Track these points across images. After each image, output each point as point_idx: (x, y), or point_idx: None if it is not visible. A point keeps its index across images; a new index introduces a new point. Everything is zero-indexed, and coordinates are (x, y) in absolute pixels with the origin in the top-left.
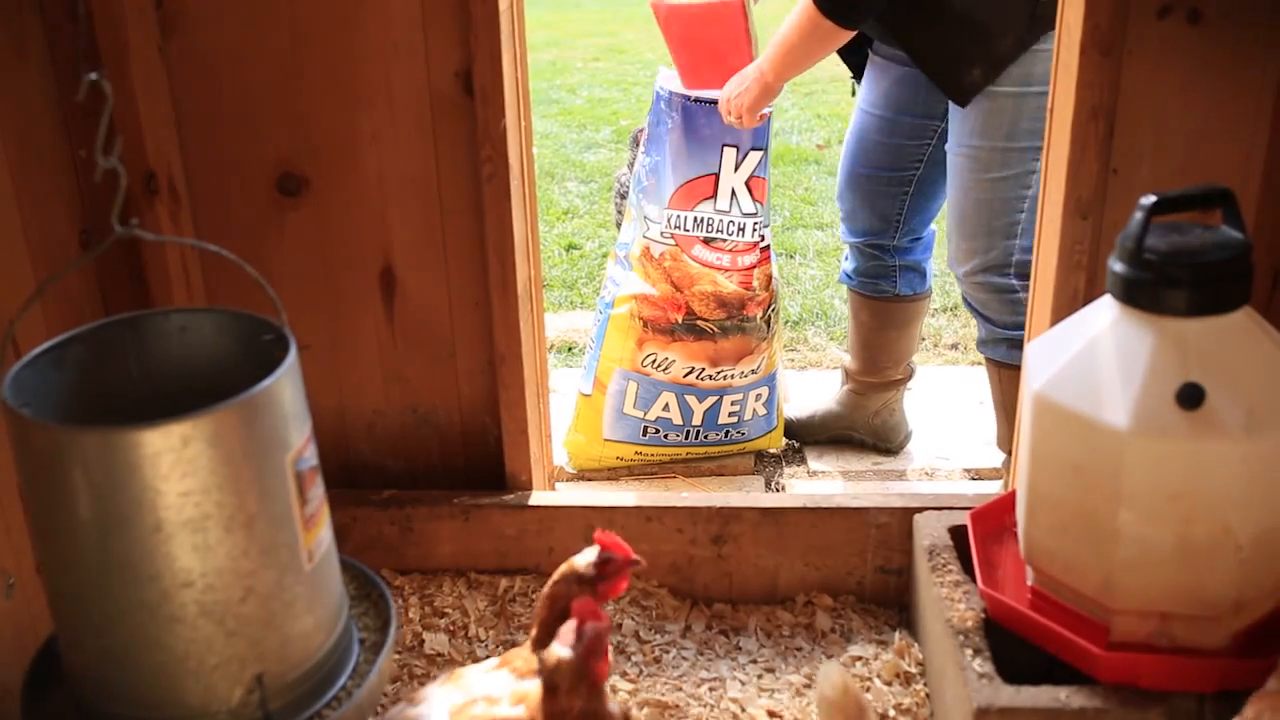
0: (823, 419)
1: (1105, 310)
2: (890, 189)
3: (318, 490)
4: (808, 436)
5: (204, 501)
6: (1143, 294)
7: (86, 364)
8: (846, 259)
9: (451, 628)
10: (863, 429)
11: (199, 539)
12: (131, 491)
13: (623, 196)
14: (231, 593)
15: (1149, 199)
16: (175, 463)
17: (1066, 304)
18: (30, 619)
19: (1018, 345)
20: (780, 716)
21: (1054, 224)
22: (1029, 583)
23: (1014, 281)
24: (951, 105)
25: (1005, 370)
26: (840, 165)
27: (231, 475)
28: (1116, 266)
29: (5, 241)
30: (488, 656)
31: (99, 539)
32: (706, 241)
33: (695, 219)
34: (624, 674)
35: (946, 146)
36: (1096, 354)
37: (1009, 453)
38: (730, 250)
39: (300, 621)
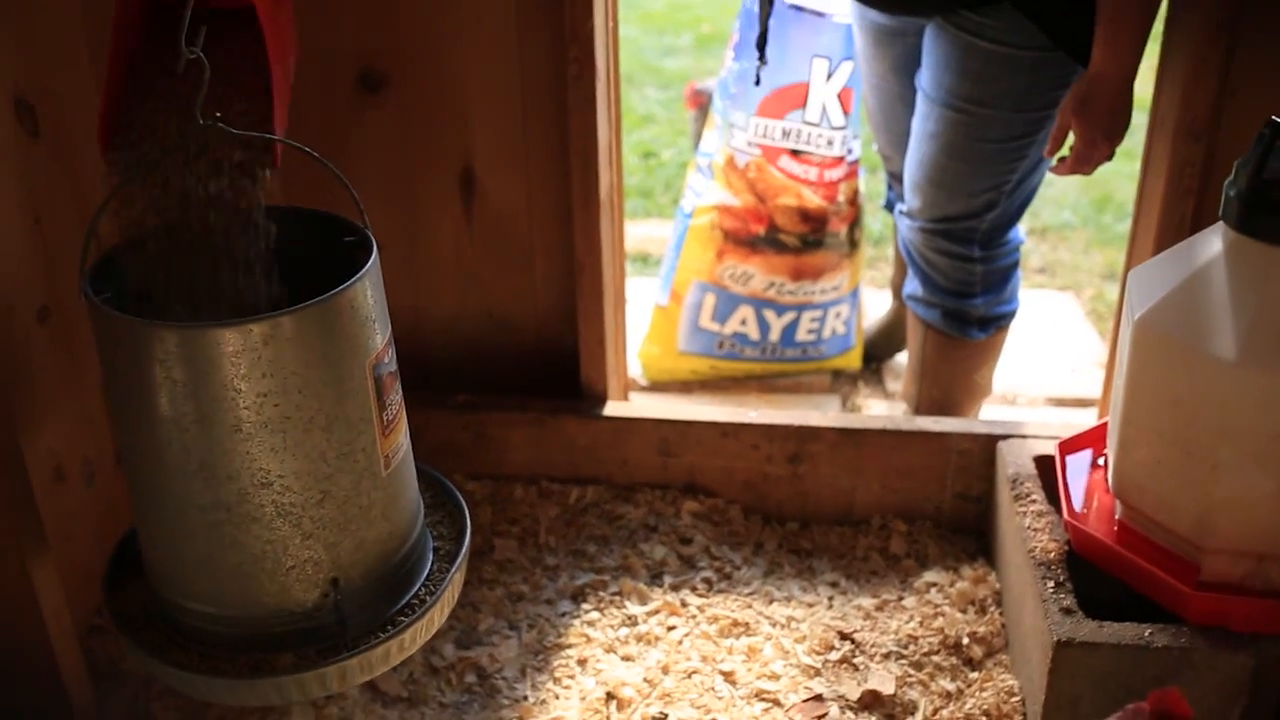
0: (886, 330)
1: (1216, 238)
2: None
3: (396, 396)
4: (884, 353)
5: (283, 403)
6: (1261, 221)
7: (167, 260)
8: None
9: (522, 534)
10: None
11: (277, 440)
12: (211, 389)
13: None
14: (309, 495)
15: (1275, 120)
16: (255, 362)
17: (1172, 231)
18: (110, 506)
19: (955, 318)
20: (851, 638)
21: (1164, 146)
22: (1117, 517)
23: (975, 251)
24: (948, 49)
25: (933, 334)
26: None
27: (311, 377)
28: (1233, 192)
29: (88, 134)
30: (557, 565)
31: (178, 436)
32: (794, 153)
33: (784, 130)
34: (693, 589)
35: (924, 84)
36: (1205, 283)
37: (914, 409)
38: (817, 164)
39: (376, 527)
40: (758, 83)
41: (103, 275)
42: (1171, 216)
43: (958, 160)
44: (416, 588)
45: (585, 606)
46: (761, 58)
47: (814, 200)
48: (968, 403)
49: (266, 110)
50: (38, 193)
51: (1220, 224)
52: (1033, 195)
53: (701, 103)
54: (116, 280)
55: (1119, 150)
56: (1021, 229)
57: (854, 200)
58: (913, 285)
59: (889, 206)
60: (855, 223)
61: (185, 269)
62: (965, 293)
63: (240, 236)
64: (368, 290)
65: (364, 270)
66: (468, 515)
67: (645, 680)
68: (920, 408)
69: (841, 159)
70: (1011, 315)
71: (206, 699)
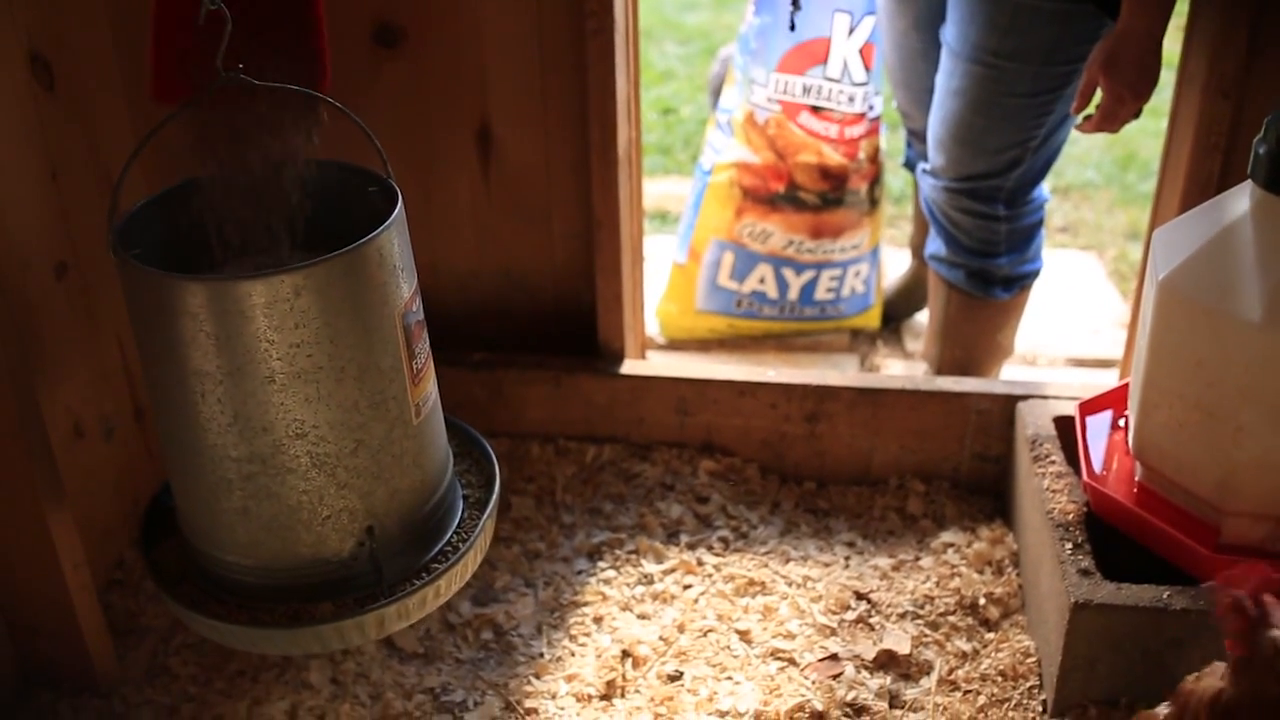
0: (905, 290)
1: (1244, 197)
2: None
3: (424, 345)
4: (903, 313)
5: (316, 353)
6: None
7: (193, 215)
8: None
9: (538, 492)
10: None
11: (311, 390)
12: (244, 342)
13: (716, 93)
14: (343, 445)
15: None
16: (287, 314)
17: (1198, 190)
18: (129, 462)
19: (979, 278)
20: (867, 598)
21: (1191, 103)
22: (1137, 479)
23: (1000, 210)
24: (975, 3)
25: (956, 294)
26: None
27: (342, 327)
28: (1262, 150)
29: (103, 88)
30: (574, 523)
31: (212, 390)
32: (815, 110)
33: (804, 86)
34: (710, 548)
35: (949, 39)
36: (1232, 243)
37: (935, 370)
38: (838, 120)
39: (408, 475)
40: (792, 28)
41: (129, 231)
42: (1198, 175)
43: (983, 116)
44: (448, 535)
45: (602, 565)
46: (795, 3)
47: (834, 157)
48: (989, 363)
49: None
50: (54, 148)
51: (1248, 183)
52: (1058, 153)
53: None
54: (144, 236)
55: (1145, 108)
56: (1046, 187)
57: (875, 158)
58: (935, 245)
59: (909, 165)
60: (876, 180)
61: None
62: (990, 252)
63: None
64: (394, 239)
65: (391, 219)
66: (496, 463)
67: (661, 638)
68: (942, 368)
69: (863, 115)
70: (1035, 274)
71: (246, 649)
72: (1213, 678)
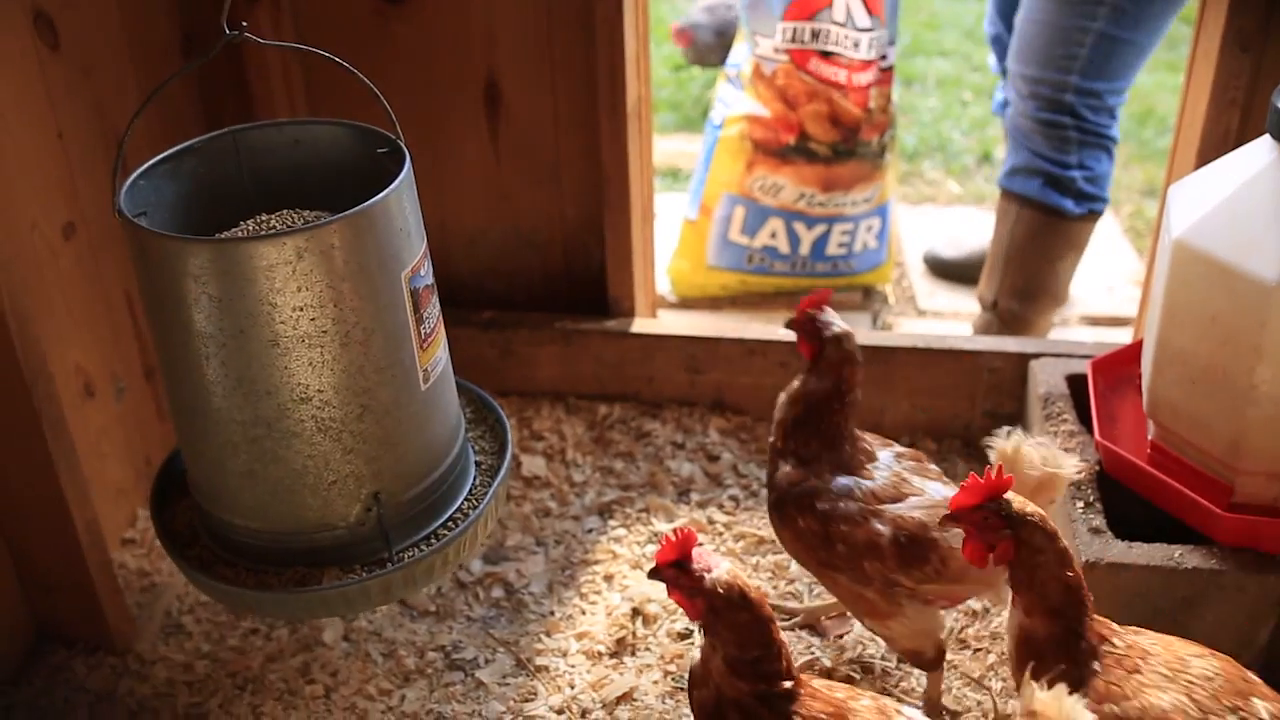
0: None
1: (1263, 153)
2: None
3: (434, 309)
4: (966, 278)
5: (320, 316)
6: None
7: (201, 174)
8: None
9: (549, 451)
10: None
11: (315, 354)
12: (246, 304)
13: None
14: (348, 409)
15: None
16: (290, 276)
17: (1215, 145)
18: (139, 421)
19: (1056, 185)
20: None
21: (1209, 56)
22: (1149, 438)
23: (1065, 119)
24: None
25: (1027, 209)
26: None
27: (347, 290)
28: None
29: (108, 47)
30: (585, 482)
31: (216, 352)
32: (824, 55)
33: (813, 31)
34: (720, 506)
35: None
36: (1249, 200)
37: (990, 307)
38: (845, 65)
39: (416, 441)
40: None
41: (138, 191)
42: (1215, 130)
43: (1040, 15)
44: (459, 502)
45: (612, 523)
46: None
47: (844, 105)
48: (1046, 300)
49: None
50: (59, 107)
51: (1266, 138)
52: (1112, 74)
53: (690, 39)
54: (149, 197)
55: (1162, 61)
56: (1115, 126)
57: (887, 107)
58: (1013, 160)
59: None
60: (888, 132)
61: None
62: (1064, 160)
63: None
64: (403, 201)
65: (398, 181)
66: (509, 429)
67: None
68: (999, 297)
69: (871, 63)
70: (1101, 204)
71: (253, 612)
72: None
